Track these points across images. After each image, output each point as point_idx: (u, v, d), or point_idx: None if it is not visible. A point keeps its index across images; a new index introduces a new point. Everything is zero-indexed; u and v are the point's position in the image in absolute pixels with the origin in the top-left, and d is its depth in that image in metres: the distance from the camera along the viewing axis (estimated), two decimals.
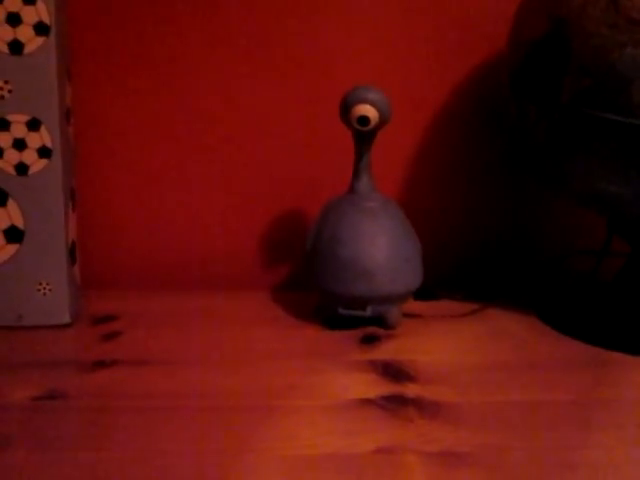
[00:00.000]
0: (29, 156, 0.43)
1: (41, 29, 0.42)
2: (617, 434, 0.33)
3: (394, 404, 0.35)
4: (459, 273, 0.57)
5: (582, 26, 0.37)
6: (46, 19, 0.42)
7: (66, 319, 0.45)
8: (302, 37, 0.53)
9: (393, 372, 0.39)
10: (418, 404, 0.35)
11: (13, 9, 0.41)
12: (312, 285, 0.46)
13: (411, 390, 0.37)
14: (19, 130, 0.43)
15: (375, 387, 0.37)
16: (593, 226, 0.57)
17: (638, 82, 0.36)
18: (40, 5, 0.42)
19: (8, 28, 0.42)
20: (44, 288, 0.45)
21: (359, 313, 0.44)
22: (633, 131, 0.37)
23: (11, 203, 0.44)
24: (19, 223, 0.44)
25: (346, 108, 0.44)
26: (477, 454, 0.31)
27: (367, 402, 0.36)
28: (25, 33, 0.42)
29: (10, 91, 0.42)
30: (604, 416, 0.35)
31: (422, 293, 0.52)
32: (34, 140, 0.43)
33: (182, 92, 0.53)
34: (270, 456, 0.30)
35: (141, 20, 0.52)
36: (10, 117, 0.43)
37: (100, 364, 0.40)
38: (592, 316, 0.47)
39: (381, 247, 0.44)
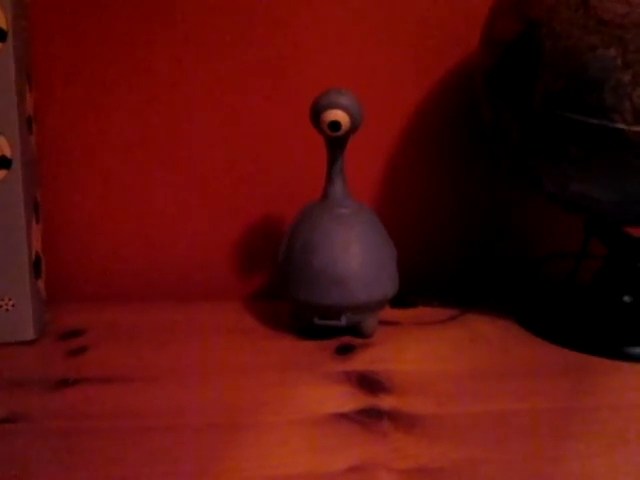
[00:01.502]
0: None
1: None
2: (595, 443, 0.32)
3: (369, 418, 0.34)
4: (436, 279, 0.56)
5: (553, 27, 0.37)
6: (3, 24, 0.40)
7: (30, 335, 0.44)
8: (275, 41, 0.52)
9: (368, 383, 0.38)
10: (393, 417, 0.34)
11: None
12: (286, 295, 0.45)
13: (386, 402, 0.36)
14: None
15: (350, 400, 0.36)
16: (570, 229, 0.57)
17: (610, 83, 0.35)
18: None
19: None
20: (6, 304, 0.43)
21: (334, 323, 0.43)
22: (605, 133, 0.36)
23: None
24: None
25: (317, 113, 0.43)
26: (454, 469, 0.30)
27: (341, 417, 0.34)
28: None
29: None
30: (581, 424, 0.34)
31: (399, 300, 0.51)
32: None
33: (150, 99, 0.51)
34: (240, 477, 0.29)
35: (107, 24, 0.50)
36: None
37: (65, 383, 0.38)
38: (570, 320, 0.46)
39: (355, 254, 0.43)
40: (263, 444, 0.32)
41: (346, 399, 0.36)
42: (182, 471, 0.30)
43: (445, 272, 0.57)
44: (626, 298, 0.46)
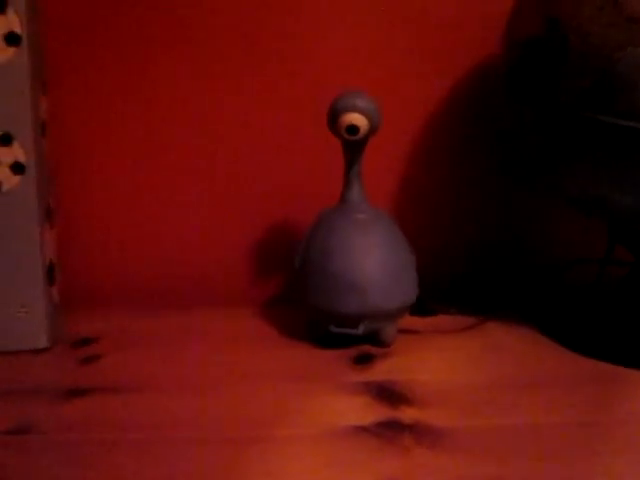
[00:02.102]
0: (1, 173, 0.41)
1: (12, 39, 0.40)
2: (627, 458, 0.31)
3: (390, 431, 0.33)
4: (456, 286, 0.55)
5: (580, 25, 0.35)
6: (17, 29, 0.40)
7: (43, 343, 0.43)
8: (289, 45, 0.51)
9: (388, 395, 0.37)
10: (415, 431, 0.33)
11: None
12: (302, 302, 0.44)
13: (407, 415, 0.35)
14: None
15: (369, 412, 0.35)
16: (594, 235, 0.55)
17: None
18: (11, 15, 0.40)
19: None
20: (20, 311, 0.43)
21: (352, 331, 0.42)
22: (634, 135, 0.35)
23: None
24: None
25: (334, 117, 0.42)
26: None
27: (361, 430, 0.33)
28: None
29: None
30: (612, 439, 0.32)
31: (418, 308, 0.50)
32: (6, 156, 0.41)
33: (164, 105, 0.51)
34: None
35: (121, 31, 0.50)
36: None
37: (77, 392, 0.37)
38: (595, 328, 0.45)
39: (374, 261, 0.42)
40: (279, 459, 0.31)
41: (365, 411, 0.35)
42: None
43: (464, 279, 0.55)
44: None
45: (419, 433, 0.33)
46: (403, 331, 0.46)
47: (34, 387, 0.38)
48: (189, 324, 0.48)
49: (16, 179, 0.42)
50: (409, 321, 0.49)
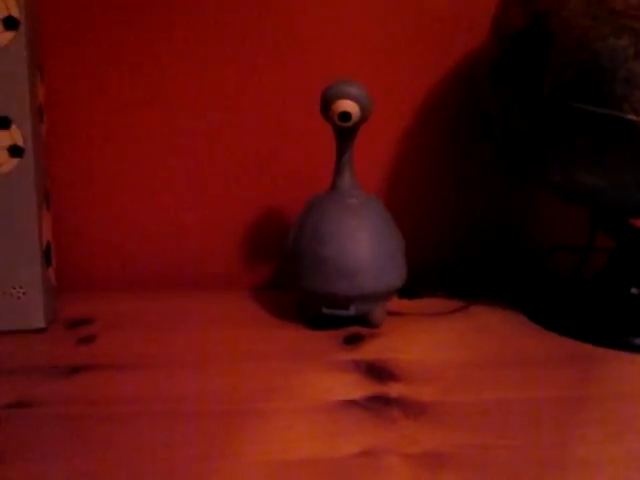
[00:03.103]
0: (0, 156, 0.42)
1: (10, 23, 0.41)
2: (601, 430, 0.32)
3: (378, 405, 0.35)
4: (443, 270, 0.57)
5: (564, 18, 0.37)
6: (15, 13, 0.41)
7: (40, 323, 0.44)
8: (282, 33, 0.52)
9: (377, 372, 0.39)
10: (402, 404, 0.35)
11: None
12: (295, 285, 0.45)
13: (395, 390, 0.36)
14: None
15: (358, 388, 0.37)
16: (577, 222, 0.57)
17: (621, 73, 0.35)
18: None
19: None
20: (17, 292, 0.44)
21: (343, 312, 0.44)
22: (615, 124, 0.37)
23: None
24: None
25: (327, 104, 0.43)
26: (461, 454, 0.30)
27: (350, 403, 0.35)
28: None
29: None
30: (586, 412, 0.34)
31: (406, 291, 0.51)
32: (4, 139, 0.42)
33: (158, 89, 0.52)
34: (249, 461, 0.29)
35: (115, 16, 0.50)
36: None
37: (75, 369, 0.39)
38: (577, 311, 0.46)
39: (364, 245, 0.43)
40: (268, 430, 0.32)
41: (355, 387, 0.37)
42: (188, 455, 0.30)
43: (451, 263, 0.57)
44: (634, 290, 0.46)
45: (405, 407, 0.34)
46: (392, 313, 0.48)
47: (33, 365, 0.39)
48: (184, 306, 0.49)
49: (14, 162, 0.42)
50: (398, 304, 0.50)
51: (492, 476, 0.28)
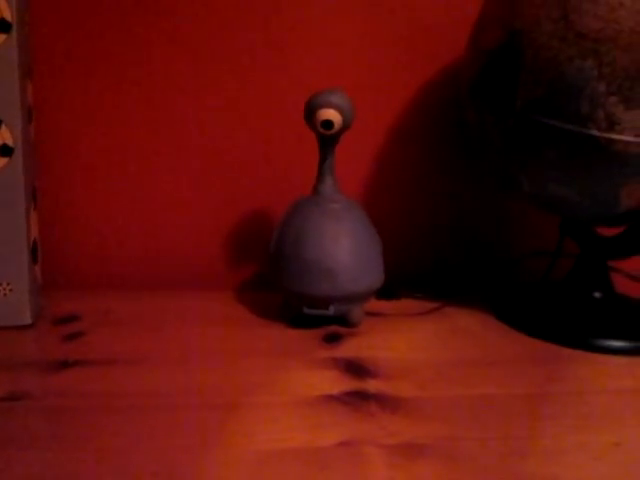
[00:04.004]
0: None
1: (2, 26, 0.42)
2: (564, 423, 0.35)
3: (356, 399, 0.36)
4: (420, 273, 0.59)
5: (534, 38, 0.39)
6: (8, 16, 0.42)
7: (27, 320, 0.45)
8: (267, 42, 0.53)
9: (355, 369, 0.40)
10: (379, 399, 0.37)
11: None
12: (277, 285, 0.47)
13: (372, 386, 0.38)
14: None
15: (338, 384, 0.38)
16: (547, 229, 0.60)
17: (586, 92, 0.38)
18: (1, 2, 0.41)
19: None
20: (4, 288, 0.44)
21: (323, 312, 0.45)
22: (580, 139, 0.39)
23: None
24: None
25: (310, 112, 0.45)
26: (435, 446, 0.32)
27: (330, 398, 0.37)
28: None
29: None
30: (552, 407, 0.37)
31: (384, 292, 0.53)
32: None
33: (146, 90, 0.53)
34: (236, 451, 0.31)
35: (104, 19, 0.51)
36: None
37: (62, 365, 0.40)
38: (544, 314, 0.49)
39: (344, 248, 0.45)
40: (254, 422, 0.34)
41: (334, 383, 0.38)
42: (176, 445, 0.31)
43: (427, 266, 0.59)
44: (597, 294, 0.48)
45: (383, 401, 0.36)
46: (370, 314, 0.50)
47: (21, 360, 0.40)
48: (168, 306, 0.50)
49: (4, 161, 0.43)
50: (376, 305, 0.52)
51: (463, 465, 0.31)
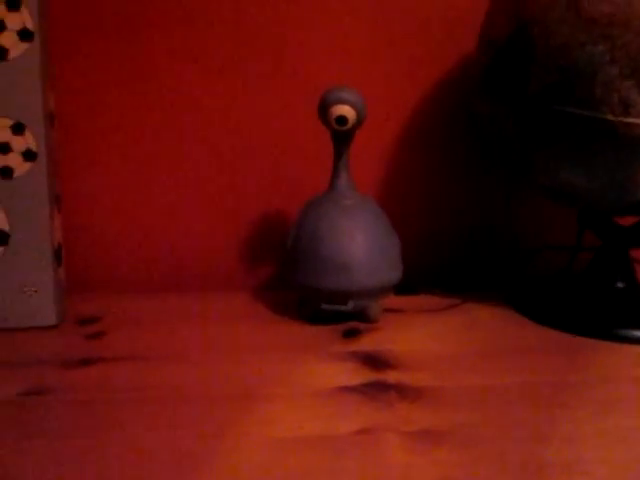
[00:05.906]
0: (14, 160, 0.44)
1: (25, 35, 0.43)
2: (584, 410, 0.34)
3: (375, 390, 0.36)
4: (437, 268, 0.59)
5: (546, 26, 0.39)
6: (30, 25, 0.43)
7: (52, 320, 0.46)
8: (278, 39, 0.54)
9: (374, 361, 0.40)
10: (398, 389, 0.37)
11: None
12: (294, 282, 0.47)
13: (391, 377, 0.38)
14: (3, 134, 0.44)
15: (357, 375, 0.38)
16: (565, 222, 0.59)
17: (599, 77, 0.38)
18: (24, 12, 0.43)
19: None
20: (30, 290, 0.45)
21: (341, 307, 0.46)
22: (595, 124, 0.39)
23: None
24: (4, 226, 0.45)
25: (324, 109, 0.46)
26: (454, 432, 0.32)
27: (349, 389, 0.37)
28: (9, 39, 0.43)
29: None
30: (572, 395, 0.36)
31: (403, 288, 0.53)
32: (19, 144, 0.44)
33: (162, 96, 0.54)
34: (254, 439, 0.31)
35: (123, 27, 0.53)
36: None
37: (85, 361, 0.40)
38: (565, 306, 0.48)
39: (360, 243, 0.45)
40: (275, 411, 0.34)
41: (353, 375, 0.38)
42: (198, 434, 0.32)
43: (445, 262, 0.59)
44: (620, 284, 0.48)
45: (401, 391, 0.36)
46: (389, 310, 0.50)
47: (46, 358, 0.41)
48: (187, 306, 0.51)
49: (27, 166, 0.45)
50: (394, 300, 0.52)
51: (482, 450, 0.30)
